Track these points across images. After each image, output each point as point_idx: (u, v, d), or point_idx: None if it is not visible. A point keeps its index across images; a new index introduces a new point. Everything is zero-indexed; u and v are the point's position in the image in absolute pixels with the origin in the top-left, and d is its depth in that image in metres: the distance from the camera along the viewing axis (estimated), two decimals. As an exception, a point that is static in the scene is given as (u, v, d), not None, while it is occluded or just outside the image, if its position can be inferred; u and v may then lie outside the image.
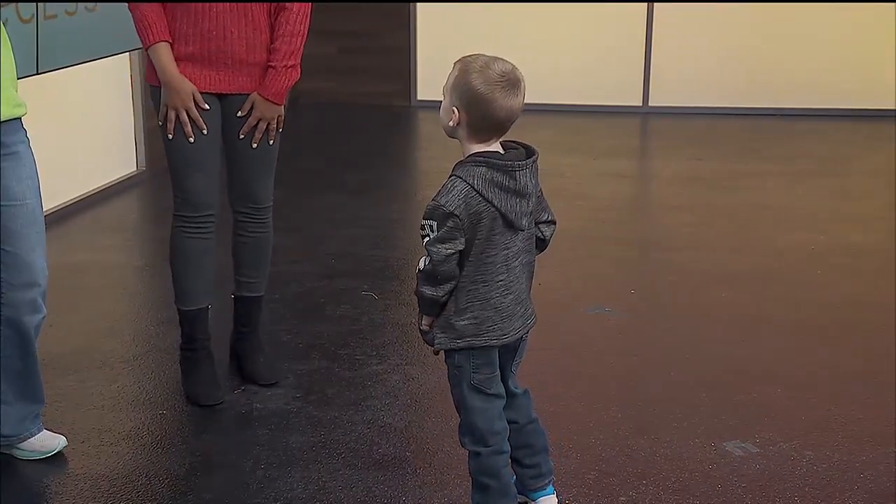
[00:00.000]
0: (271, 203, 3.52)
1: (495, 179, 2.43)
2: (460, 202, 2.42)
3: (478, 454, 2.61)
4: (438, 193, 2.44)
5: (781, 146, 7.21)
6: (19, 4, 4.77)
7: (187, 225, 3.39)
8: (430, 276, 2.48)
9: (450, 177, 2.46)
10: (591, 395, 3.52)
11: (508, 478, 2.64)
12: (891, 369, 3.70)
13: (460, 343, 2.53)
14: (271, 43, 3.29)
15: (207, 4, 3.21)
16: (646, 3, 8.18)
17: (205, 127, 3.27)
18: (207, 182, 3.36)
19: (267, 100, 3.31)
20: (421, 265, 2.49)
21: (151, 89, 3.37)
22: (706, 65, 8.21)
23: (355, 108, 8.43)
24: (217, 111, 3.32)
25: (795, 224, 5.44)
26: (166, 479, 3.00)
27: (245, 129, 3.34)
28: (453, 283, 2.49)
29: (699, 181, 6.32)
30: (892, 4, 7.89)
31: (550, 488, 2.78)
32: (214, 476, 3.01)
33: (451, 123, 2.47)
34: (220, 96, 3.32)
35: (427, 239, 2.46)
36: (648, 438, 3.22)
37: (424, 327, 2.58)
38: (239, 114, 3.33)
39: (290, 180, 6.27)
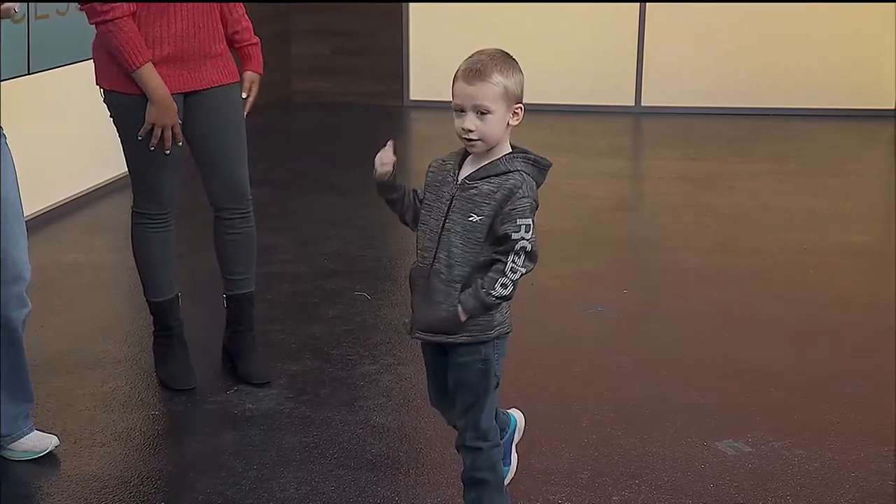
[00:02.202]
0: (251, 196, 3.54)
1: (538, 180, 2.50)
2: (536, 195, 2.46)
3: (479, 450, 2.57)
4: (521, 190, 2.41)
5: (774, 146, 7.23)
6: (11, 4, 4.74)
7: (151, 221, 3.47)
8: (525, 276, 2.45)
9: (514, 171, 2.44)
10: (585, 394, 3.52)
11: (503, 472, 2.65)
12: (883, 369, 3.70)
13: (492, 333, 2.53)
14: (229, 28, 3.42)
15: (179, 4, 3.23)
16: (638, 4, 8.19)
17: (182, 140, 3.33)
18: (173, 179, 3.43)
19: (260, 74, 3.54)
20: (523, 269, 2.42)
21: (106, 92, 3.33)
22: (699, 65, 8.21)
23: (348, 109, 8.42)
24: (181, 111, 3.34)
25: (789, 223, 5.45)
26: (158, 479, 3.00)
27: (250, 108, 3.52)
28: None
29: (692, 181, 6.32)
30: (887, 5, 7.90)
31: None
32: (207, 477, 3.00)
33: (516, 123, 2.48)
34: (186, 95, 3.34)
35: (528, 242, 2.40)
36: (641, 438, 3.22)
37: (463, 318, 2.48)
38: (245, 95, 3.49)
39: (284, 180, 6.26)
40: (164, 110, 3.24)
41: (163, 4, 3.21)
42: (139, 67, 3.19)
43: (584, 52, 8.30)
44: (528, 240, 2.40)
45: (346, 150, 7.14)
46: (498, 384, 2.59)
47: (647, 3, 8.17)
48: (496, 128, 2.43)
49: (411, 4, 8.44)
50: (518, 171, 2.44)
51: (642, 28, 8.23)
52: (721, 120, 7.98)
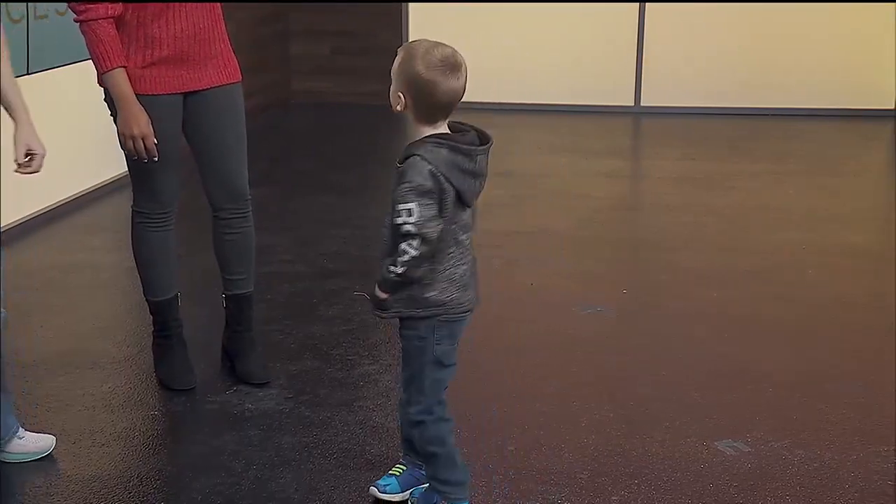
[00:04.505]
0: (250, 196, 3.53)
1: (457, 162, 2.50)
2: (431, 179, 2.47)
3: (422, 423, 2.68)
4: (406, 176, 2.47)
5: (773, 146, 7.23)
6: (9, 4, 4.76)
7: (151, 220, 3.46)
8: (423, 258, 2.50)
9: (410, 156, 2.49)
10: (584, 394, 3.52)
11: (454, 446, 2.71)
12: (882, 369, 3.70)
13: (421, 312, 2.59)
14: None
15: (178, 5, 3.21)
16: (637, 4, 8.19)
17: (157, 156, 3.24)
18: (173, 179, 3.41)
19: None
20: (412, 251, 2.48)
21: (106, 92, 3.31)
22: (698, 65, 8.21)
23: (348, 108, 8.42)
24: (180, 111, 3.33)
25: (787, 223, 5.45)
26: (158, 479, 3.00)
27: None
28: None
29: (691, 181, 6.32)
30: (887, 5, 7.90)
31: None
32: (206, 477, 3.00)
33: (398, 108, 2.54)
34: (186, 95, 3.32)
35: (410, 225, 2.46)
36: (640, 438, 3.22)
37: (382, 296, 2.59)
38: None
39: (283, 180, 6.27)
40: (129, 118, 3.18)
41: (161, 5, 3.20)
42: (108, 71, 3.16)
43: (583, 53, 8.30)
44: (411, 223, 2.46)
45: (346, 150, 7.15)
46: (445, 366, 2.65)
47: (647, 4, 8.17)
48: (391, 98, 2.56)
49: (411, 4, 8.44)
50: (415, 155, 2.48)
51: (642, 28, 8.23)
52: (721, 120, 7.98)
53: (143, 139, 3.20)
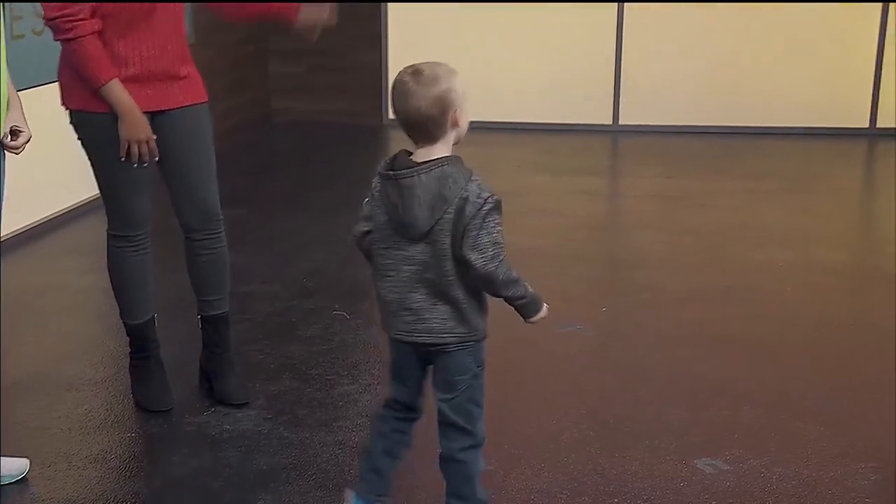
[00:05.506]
0: (222, 216, 3.52)
1: (380, 181, 2.54)
2: (373, 182, 2.56)
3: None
4: None
5: (751, 164, 7.27)
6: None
7: (128, 244, 3.44)
8: (364, 254, 2.70)
9: None
10: (562, 413, 3.52)
11: (376, 460, 2.75)
12: (860, 386, 3.72)
13: None
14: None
15: (144, 25, 3.21)
16: (615, 22, 8.23)
17: (157, 154, 3.29)
18: (146, 199, 3.41)
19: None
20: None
21: (74, 113, 3.31)
22: (676, 84, 8.27)
23: (328, 127, 8.42)
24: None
25: (765, 242, 5.48)
26: (135, 502, 2.97)
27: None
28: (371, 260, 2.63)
29: (669, 199, 6.35)
30: (862, 24, 7.98)
31: None
32: (183, 499, 2.98)
33: None
34: (153, 115, 3.32)
35: None
36: (620, 457, 3.22)
37: None
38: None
39: (261, 199, 6.25)
40: (134, 124, 3.20)
41: (125, 24, 3.18)
42: (105, 83, 3.17)
43: (562, 71, 8.34)
44: None
45: (326, 169, 7.14)
46: (396, 382, 2.73)
47: (625, 23, 8.23)
48: None
49: (390, 23, 8.46)
50: None
51: (620, 47, 8.28)
52: (698, 138, 8.03)
53: (147, 142, 3.24)
